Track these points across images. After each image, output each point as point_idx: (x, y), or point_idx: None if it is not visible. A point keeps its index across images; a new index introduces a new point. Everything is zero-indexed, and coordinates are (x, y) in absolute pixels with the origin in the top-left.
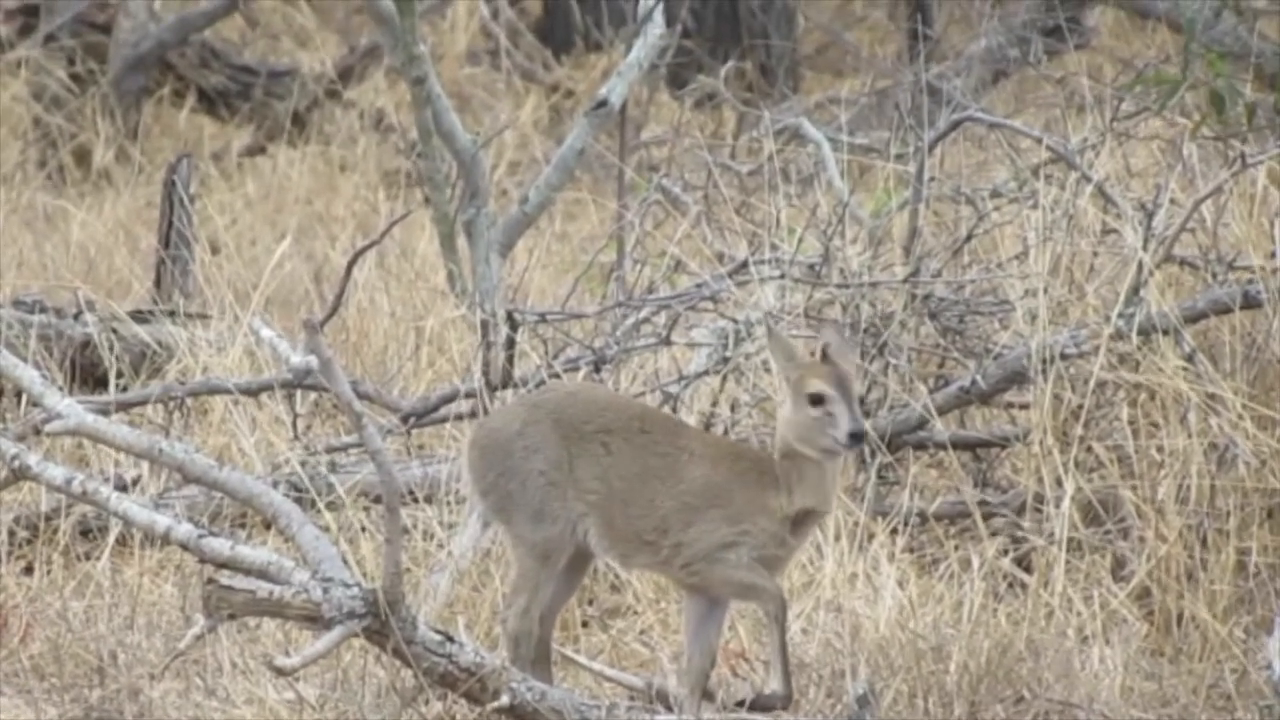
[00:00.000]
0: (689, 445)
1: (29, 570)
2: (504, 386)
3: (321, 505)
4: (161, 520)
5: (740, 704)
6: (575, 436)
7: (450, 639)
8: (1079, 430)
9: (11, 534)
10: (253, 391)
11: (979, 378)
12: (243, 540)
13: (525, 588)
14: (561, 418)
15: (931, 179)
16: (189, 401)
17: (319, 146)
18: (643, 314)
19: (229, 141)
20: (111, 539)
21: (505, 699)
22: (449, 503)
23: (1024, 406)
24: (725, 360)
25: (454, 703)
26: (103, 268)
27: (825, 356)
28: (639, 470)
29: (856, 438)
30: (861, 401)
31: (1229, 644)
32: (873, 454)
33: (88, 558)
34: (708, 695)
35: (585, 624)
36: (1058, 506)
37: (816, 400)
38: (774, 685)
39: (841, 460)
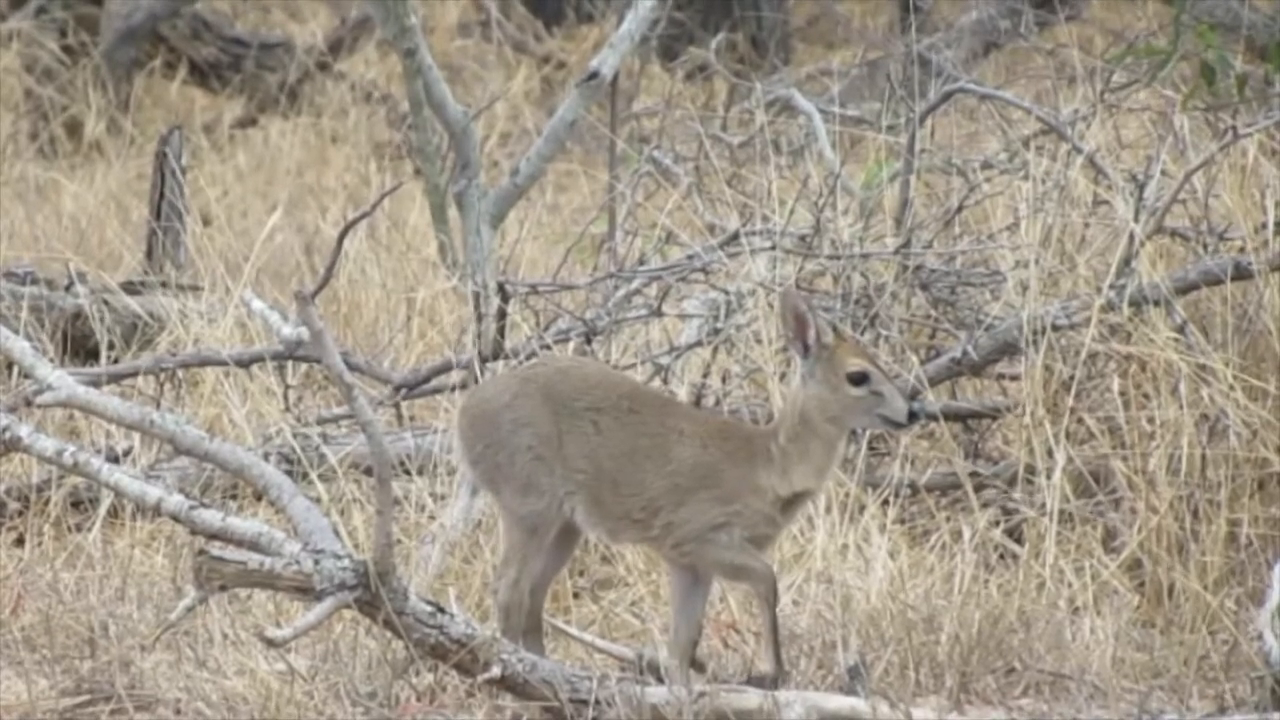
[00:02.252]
0: (678, 425)
1: (20, 542)
2: (495, 358)
3: (313, 477)
4: (153, 492)
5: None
6: (565, 413)
7: (441, 610)
8: (1070, 401)
9: (2, 505)
10: (244, 363)
11: (970, 349)
12: (234, 512)
13: (515, 559)
14: (552, 393)
15: (923, 150)
16: (180, 373)
17: (310, 118)
18: (634, 285)
19: (220, 113)
20: (103, 510)
21: (496, 670)
22: (440, 474)
23: (1015, 378)
24: (716, 332)
25: (445, 674)
26: (94, 239)
27: (839, 333)
28: (628, 450)
29: (916, 415)
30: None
31: (1220, 615)
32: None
33: (79, 529)
34: (698, 666)
35: (576, 595)
36: (1049, 478)
37: (859, 379)
38: (764, 665)
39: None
